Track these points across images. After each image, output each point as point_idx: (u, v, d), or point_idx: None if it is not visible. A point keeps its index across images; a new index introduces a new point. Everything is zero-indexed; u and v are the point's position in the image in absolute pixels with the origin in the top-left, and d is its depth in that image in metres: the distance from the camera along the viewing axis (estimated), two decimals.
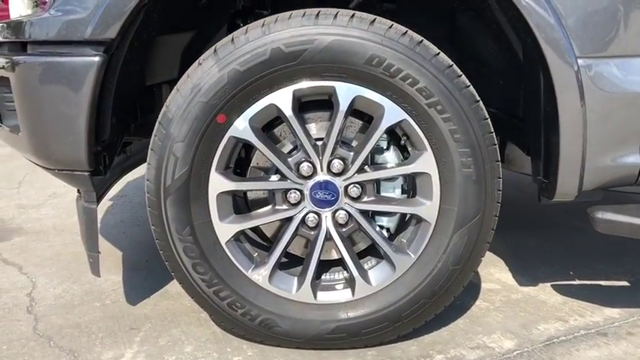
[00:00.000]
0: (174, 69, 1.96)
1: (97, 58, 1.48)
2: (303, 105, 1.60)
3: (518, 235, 2.50)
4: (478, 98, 1.54)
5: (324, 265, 1.70)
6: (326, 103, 1.59)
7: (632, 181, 1.59)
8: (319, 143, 1.58)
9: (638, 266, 2.21)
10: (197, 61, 1.53)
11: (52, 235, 2.60)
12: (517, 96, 1.80)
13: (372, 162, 1.63)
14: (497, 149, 1.56)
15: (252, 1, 2.05)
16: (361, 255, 1.71)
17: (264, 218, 1.61)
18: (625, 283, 2.10)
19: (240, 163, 1.68)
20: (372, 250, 1.70)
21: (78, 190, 1.72)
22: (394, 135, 1.63)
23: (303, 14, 1.49)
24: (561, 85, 1.48)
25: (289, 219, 1.61)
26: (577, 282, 2.11)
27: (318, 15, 1.48)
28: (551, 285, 2.07)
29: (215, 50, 1.50)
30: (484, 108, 1.54)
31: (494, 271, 2.19)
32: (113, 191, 3.08)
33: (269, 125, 1.62)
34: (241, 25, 2.03)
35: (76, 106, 1.51)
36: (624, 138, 1.53)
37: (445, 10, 1.93)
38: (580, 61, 1.47)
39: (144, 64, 1.83)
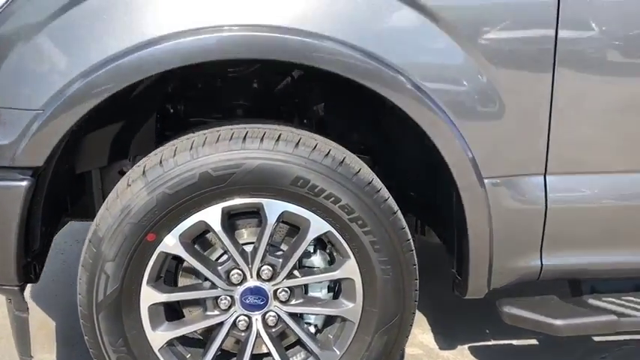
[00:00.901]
0: (104, 157, 1.97)
1: (24, 183, 1.50)
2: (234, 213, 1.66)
3: (440, 289, 2.66)
4: (396, 209, 1.66)
5: (257, 358, 1.79)
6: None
7: (535, 278, 1.76)
8: (250, 249, 1.66)
9: None
10: (126, 180, 1.56)
11: None
12: (435, 189, 1.92)
13: (299, 265, 1.73)
14: (414, 254, 1.69)
15: (183, 85, 2.07)
16: (292, 345, 1.80)
17: (196, 324, 1.68)
18: (533, 342, 2.30)
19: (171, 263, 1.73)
20: (302, 342, 1.80)
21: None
22: (321, 239, 1.73)
23: (231, 136, 1.55)
24: (469, 201, 1.62)
25: (220, 323, 1.68)
26: (492, 342, 2.29)
27: (245, 138, 1.54)
28: (469, 347, 2.25)
29: (144, 172, 1.54)
30: (402, 217, 1.67)
31: (417, 332, 2.34)
32: None
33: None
34: (172, 110, 2.06)
35: (4, 228, 1.52)
36: (526, 245, 1.69)
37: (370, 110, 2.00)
38: (486, 181, 1.60)
39: (73, 161, 1.84)
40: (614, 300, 1.79)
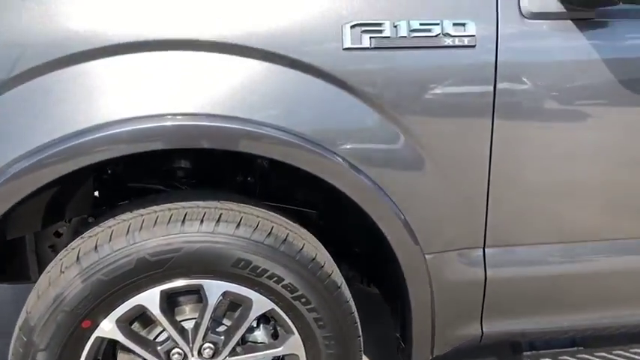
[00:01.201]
0: (38, 223, 1.89)
1: None
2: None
3: (384, 327, 2.67)
4: (340, 283, 1.65)
5: None
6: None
7: (477, 342, 1.79)
8: (190, 325, 1.62)
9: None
10: (59, 266, 1.50)
11: None
12: (378, 252, 1.93)
13: (242, 341, 1.70)
14: (359, 326, 1.69)
15: None
16: None
17: None
18: None
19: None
20: None
21: None
22: (264, 314, 1.70)
23: (169, 219, 1.50)
24: (410, 276, 1.63)
25: None
26: None
27: (184, 221, 1.50)
28: None
29: (78, 258, 1.48)
30: (346, 290, 1.66)
31: None
32: None
33: None
34: (109, 171, 1.99)
35: None
36: (467, 315, 1.72)
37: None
38: (427, 257, 1.62)
39: (3, 228, 1.75)
40: None
